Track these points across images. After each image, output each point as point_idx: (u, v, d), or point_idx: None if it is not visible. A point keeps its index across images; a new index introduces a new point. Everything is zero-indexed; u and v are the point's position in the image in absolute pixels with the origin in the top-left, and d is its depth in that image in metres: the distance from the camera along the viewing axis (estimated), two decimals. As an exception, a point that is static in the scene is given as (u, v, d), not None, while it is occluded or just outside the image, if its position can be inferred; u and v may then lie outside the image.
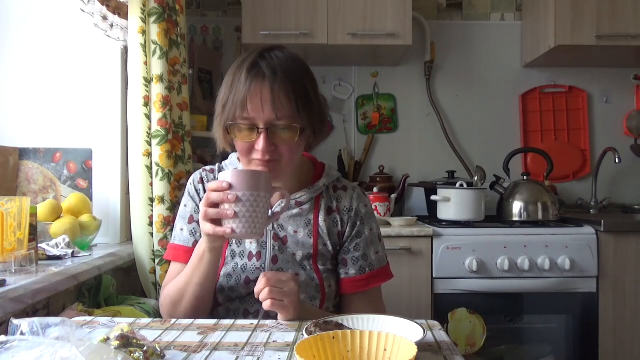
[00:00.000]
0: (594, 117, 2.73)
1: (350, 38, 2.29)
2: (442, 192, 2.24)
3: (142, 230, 1.68)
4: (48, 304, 1.25)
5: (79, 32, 1.73)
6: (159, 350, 0.75)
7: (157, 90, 1.67)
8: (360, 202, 1.19)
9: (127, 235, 1.78)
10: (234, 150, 1.12)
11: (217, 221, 0.95)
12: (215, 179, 1.18)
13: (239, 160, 1.19)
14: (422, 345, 0.78)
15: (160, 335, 0.89)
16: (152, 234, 1.68)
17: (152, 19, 1.67)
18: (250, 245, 1.13)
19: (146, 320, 1.01)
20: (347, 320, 0.88)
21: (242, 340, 0.86)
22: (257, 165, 1.05)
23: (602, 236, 2.04)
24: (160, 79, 1.67)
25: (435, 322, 0.96)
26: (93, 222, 1.56)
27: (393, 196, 2.37)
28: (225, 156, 1.25)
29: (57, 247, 1.39)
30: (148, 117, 1.67)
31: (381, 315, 0.90)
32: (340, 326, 0.84)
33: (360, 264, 1.16)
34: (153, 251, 1.68)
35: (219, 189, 0.93)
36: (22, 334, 0.71)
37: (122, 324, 0.78)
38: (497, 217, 2.33)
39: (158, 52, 1.67)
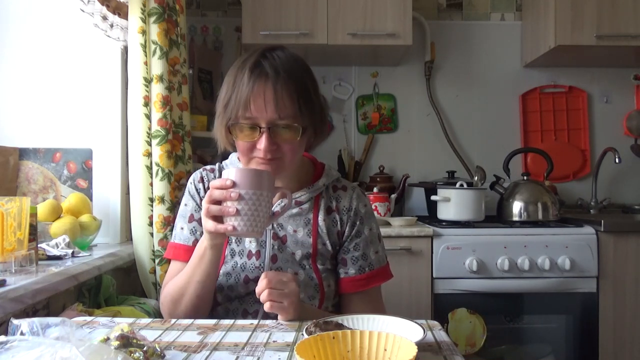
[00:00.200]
0: (594, 117, 2.73)
1: (350, 38, 2.29)
2: (442, 192, 2.24)
3: (142, 230, 1.68)
4: (48, 304, 1.25)
5: (79, 32, 1.73)
6: (159, 350, 0.75)
7: (157, 90, 1.67)
8: (360, 201, 1.19)
9: (127, 235, 1.78)
10: (235, 150, 1.13)
11: (218, 218, 0.95)
12: (215, 178, 1.19)
13: (239, 160, 1.19)
14: (422, 345, 0.78)
15: (160, 335, 0.89)
16: (152, 234, 1.68)
17: (152, 19, 1.67)
18: (250, 244, 1.13)
19: (146, 320, 1.01)
20: (347, 320, 0.88)
21: (242, 340, 0.86)
22: (258, 163, 1.05)
23: (602, 236, 2.04)
24: (160, 79, 1.67)
25: (435, 322, 0.96)
26: (93, 222, 1.56)
27: (393, 196, 2.37)
28: (225, 156, 1.26)
29: (57, 247, 1.39)
30: (148, 117, 1.67)
31: (381, 315, 0.90)
32: (340, 326, 0.84)
33: (359, 264, 1.16)
34: (153, 251, 1.68)
35: (222, 187, 0.94)
36: (22, 334, 0.71)
37: (122, 324, 0.78)
38: (497, 217, 2.33)
39: (158, 52, 1.67)
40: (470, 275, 2.01)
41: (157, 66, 1.67)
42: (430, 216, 2.39)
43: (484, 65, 2.72)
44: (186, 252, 1.14)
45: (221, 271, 1.12)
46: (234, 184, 0.93)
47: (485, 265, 2.01)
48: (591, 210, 2.56)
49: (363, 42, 2.30)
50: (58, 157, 1.71)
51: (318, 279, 1.12)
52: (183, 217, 1.19)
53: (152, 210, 1.68)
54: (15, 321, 0.73)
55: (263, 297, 0.96)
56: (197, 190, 1.19)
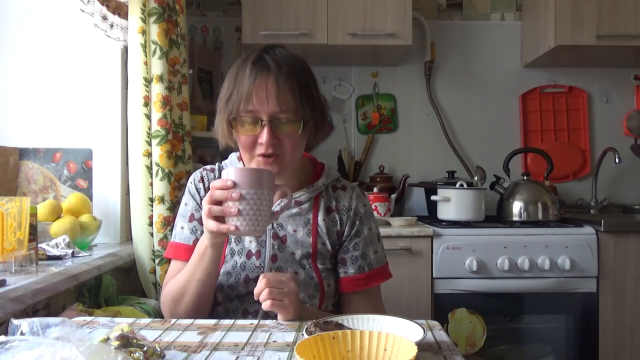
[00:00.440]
0: (594, 117, 2.73)
1: (350, 38, 2.29)
2: (442, 192, 2.24)
3: (142, 230, 1.68)
4: (48, 304, 1.25)
5: (79, 32, 1.73)
6: (159, 350, 0.75)
7: (157, 90, 1.67)
8: (359, 201, 1.19)
9: (127, 235, 1.78)
10: (236, 146, 1.13)
11: (220, 218, 0.96)
12: (215, 178, 1.19)
13: (239, 160, 1.19)
14: (422, 345, 0.78)
15: (160, 335, 0.89)
16: (152, 234, 1.68)
17: (152, 19, 1.67)
18: (250, 244, 1.14)
19: (146, 320, 1.01)
20: (347, 320, 0.88)
21: (242, 340, 0.86)
22: (260, 162, 1.06)
23: (602, 236, 2.04)
24: (160, 79, 1.67)
25: (435, 322, 0.96)
26: (93, 222, 1.56)
27: (393, 196, 2.37)
28: (225, 156, 1.26)
29: (57, 247, 1.39)
30: (148, 117, 1.67)
31: (381, 315, 0.90)
32: (340, 326, 0.84)
33: (359, 263, 1.16)
34: (153, 251, 1.68)
35: (223, 187, 0.94)
36: (22, 334, 0.71)
37: (122, 324, 0.78)
38: (497, 217, 2.33)
39: (158, 52, 1.67)
40: (470, 275, 2.01)
41: (157, 66, 1.67)
42: (430, 216, 2.39)
43: (484, 65, 2.72)
44: (186, 252, 1.14)
45: (221, 270, 1.12)
46: (234, 184, 0.94)
47: (485, 265, 2.01)
48: (591, 210, 2.56)
49: (363, 42, 2.30)
50: (58, 157, 1.71)
51: (318, 279, 1.12)
52: (183, 217, 1.19)
53: (152, 210, 1.68)
54: (15, 321, 0.73)
55: (263, 296, 0.96)
56: (197, 189, 1.19)
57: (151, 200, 1.68)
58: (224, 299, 1.13)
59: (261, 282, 0.97)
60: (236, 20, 2.48)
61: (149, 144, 1.68)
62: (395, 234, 2.03)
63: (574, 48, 2.37)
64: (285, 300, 0.96)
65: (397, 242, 2.03)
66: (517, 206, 2.26)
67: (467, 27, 2.72)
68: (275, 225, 1.14)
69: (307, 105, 1.06)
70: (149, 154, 1.68)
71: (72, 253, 1.40)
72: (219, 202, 0.95)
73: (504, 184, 2.37)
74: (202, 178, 1.20)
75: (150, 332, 0.90)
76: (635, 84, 2.72)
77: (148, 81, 1.67)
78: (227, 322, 0.98)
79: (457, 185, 2.24)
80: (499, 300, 2.03)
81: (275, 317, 1.01)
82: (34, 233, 1.27)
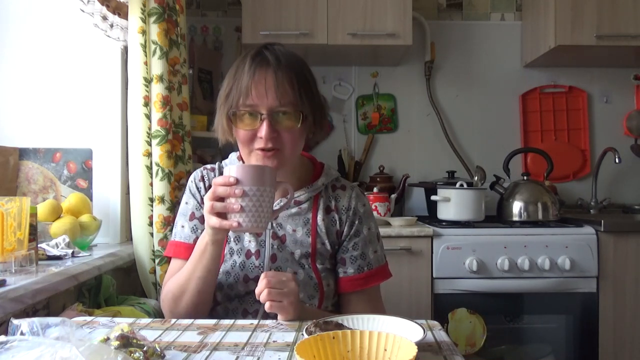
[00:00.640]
0: (594, 117, 2.73)
1: (350, 38, 2.29)
2: (442, 192, 2.24)
3: (142, 230, 1.68)
4: (48, 304, 1.25)
5: (79, 32, 1.73)
6: (159, 350, 0.74)
7: (157, 90, 1.67)
8: (359, 201, 1.19)
9: (127, 235, 1.78)
10: (236, 142, 1.13)
11: (222, 215, 0.96)
12: (215, 177, 1.19)
13: (239, 159, 1.20)
14: (422, 345, 0.78)
15: (160, 335, 0.89)
16: (152, 234, 1.68)
17: (152, 19, 1.67)
18: (249, 244, 1.14)
19: (146, 320, 1.01)
20: (347, 320, 0.88)
21: (242, 340, 0.86)
22: (258, 156, 1.06)
23: (602, 236, 2.04)
24: (160, 79, 1.67)
25: (435, 322, 0.96)
26: (93, 222, 1.56)
27: (393, 196, 2.37)
28: (225, 155, 1.26)
29: (57, 247, 1.39)
30: (148, 117, 1.68)
31: (381, 315, 0.90)
32: (340, 326, 0.84)
33: (358, 263, 1.16)
34: (153, 251, 1.68)
35: (226, 184, 0.94)
36: (22, 334, 0.71)
37: (122, 324, 0.78)
38: (497, 217, 2.33)
39: (158, 52, 1.67)
40: (470, 275, 2.01)
41: (157, 66, 1.67)
42: (430, 216, 2.39)
43: (484, 65, 2.72)
44: (187, 250, 1.14)
45: (221, 270, 1.12)
46: (237, 181, 0.94)
47: (485, 265, 2.01)
48: (591, 210, 2.56)
49: (363, 42, 2.30)
50: (58, 157, 1.71)
51: (317, 279, 1.12)
52: (184, 216, 1.20)
53: (152, 210, 1.68)
54: (15, 321, 0.73)
55: (263, 296, 0.96)
56: (197, 188, 1.20)
57: (151, 200, 1.68)
58: (224, 299, 1.13)
59: (262, 282, 0.97)
60: (236, 20, 2.48)
61: (149, 144, 1.68)
62: (395, 234, 2.03)
63: (574, 48, 2.37)
64: (284, 301, 0.96)
65: (397, 242, 2.03)
66: (517, 206, 2.26)
67: (467, 27, 2.72)
68: (274, 224, 1.14)
69: (306, 99, 1.07)
70: (149, 154, 1.68)
71: (72, 253, 1.40)
72: (221, 199, 0.96)
73: (504, 184, 2.37)
74: (202, 177, 1.21)
75: (150, 332, 0.90)
76: (635, 84, 2.72)
77: (148, 81, 1.67)
78: (227, 322, 0.98)
79: (457, 185, 2.24)
80: (499, 300, 2.03)
81: (275, 317, 1.01)
82: (34, 233, 1.27)
